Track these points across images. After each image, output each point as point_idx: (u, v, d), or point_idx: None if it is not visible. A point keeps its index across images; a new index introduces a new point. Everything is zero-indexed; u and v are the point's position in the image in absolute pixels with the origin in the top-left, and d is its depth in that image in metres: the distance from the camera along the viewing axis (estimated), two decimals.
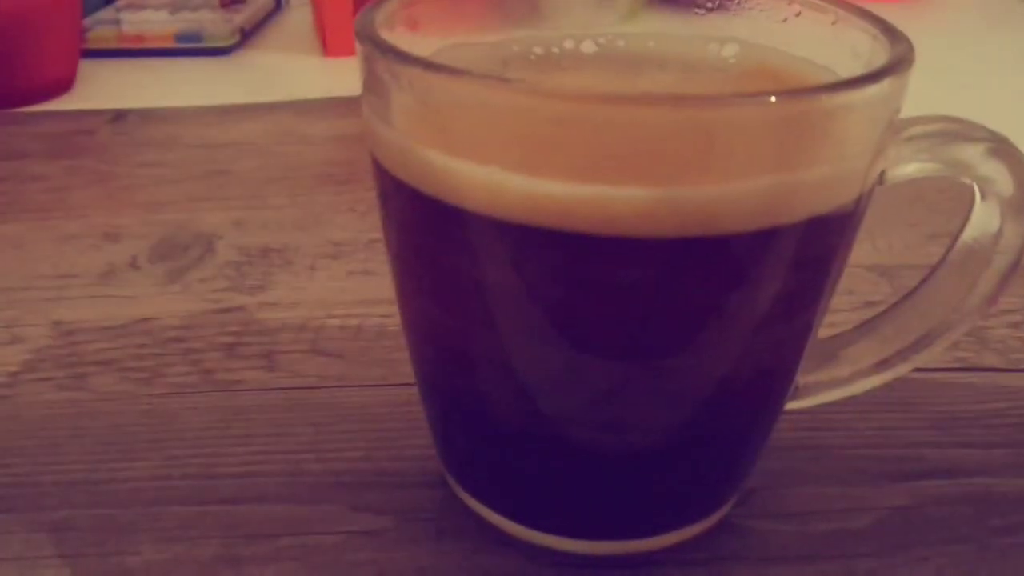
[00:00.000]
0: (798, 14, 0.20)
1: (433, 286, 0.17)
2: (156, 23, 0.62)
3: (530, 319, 0.16)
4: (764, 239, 0.15)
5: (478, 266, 0.16)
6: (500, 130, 0.14)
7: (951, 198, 0.38)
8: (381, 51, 0.15)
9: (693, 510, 0.21)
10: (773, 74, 0.20)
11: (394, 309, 0.20)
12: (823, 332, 0.20)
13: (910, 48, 0.16)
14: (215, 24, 0.62)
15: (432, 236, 0.16)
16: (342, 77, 0.56)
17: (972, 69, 0.57)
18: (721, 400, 0.18)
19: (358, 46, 0.16)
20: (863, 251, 0.34)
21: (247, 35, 0.64)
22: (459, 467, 0.22)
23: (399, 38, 0.18)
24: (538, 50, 0.20)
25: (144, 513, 0.22)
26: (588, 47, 0.21)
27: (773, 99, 0.14)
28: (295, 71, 0.58)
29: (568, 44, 0.21)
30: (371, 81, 0.16)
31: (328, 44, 0.61)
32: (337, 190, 0.40)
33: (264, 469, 0.23)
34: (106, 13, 0.65)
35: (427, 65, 0.14)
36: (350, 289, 0.32)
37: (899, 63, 0.15)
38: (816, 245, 0.16)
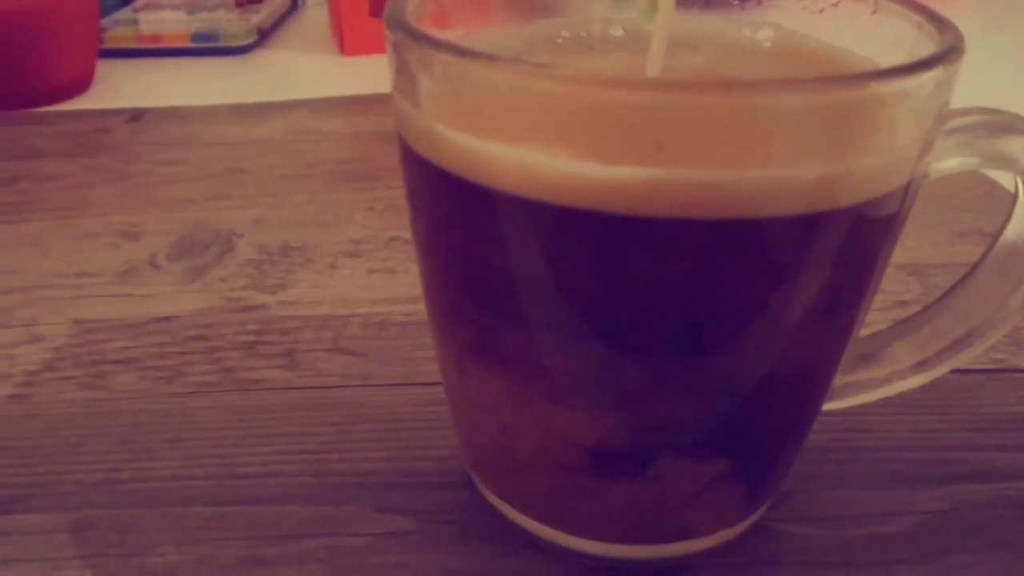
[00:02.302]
0: (836, 4, 0.19)
1: (462, 275, 0.17)
2: (173, 23, 0.62)
3: (562, 308, 0.16)
4: (807, 230, 0.15)
5: (510, 252, 0.15)
6: (535, 115, 0.14)
7: (979, 196, 0.38)
8: (414, 38, 0.15)
9: (727, 514, 0.20)
10: (810, 57, 0.19)
11: (416, 307, 0.19)
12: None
13: (959, 36, 0.15)
14: (232, 24, 0.62)
15: (462, 221, 0.16)
16: (359, 75, 0.56)
17: (998, 63, 0.56)
18: (759, 399, 0.17)
19: (388, 34, 0.16)
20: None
21: (264, 34, 0.64)
22: (485, 468, 0.21)
23: (426, 29, 0.18)
24: (565, 33, 0.20)
25: (166, 513, 0.21)
26: (616, 31, 0.20)
27: (823, 85, 0.13)
28: (312, 70, 0.58)
29: (596, 28, 0.20)
30: (400, 67, 0.16)
31: (345, 43, 0.60)
32: (356, 187, 0.40)
33: (287, 469, 0.23)
34: (123, 13, 0.65)
35: (460, 51, 0.14)
36: (371, 287, 0.31)
37: (950, 51, 0.15)
38: (860, 239, 0.16)
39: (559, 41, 0.20)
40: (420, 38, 0.15)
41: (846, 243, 0.16)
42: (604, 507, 0.19)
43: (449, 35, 0.19)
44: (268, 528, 0.21)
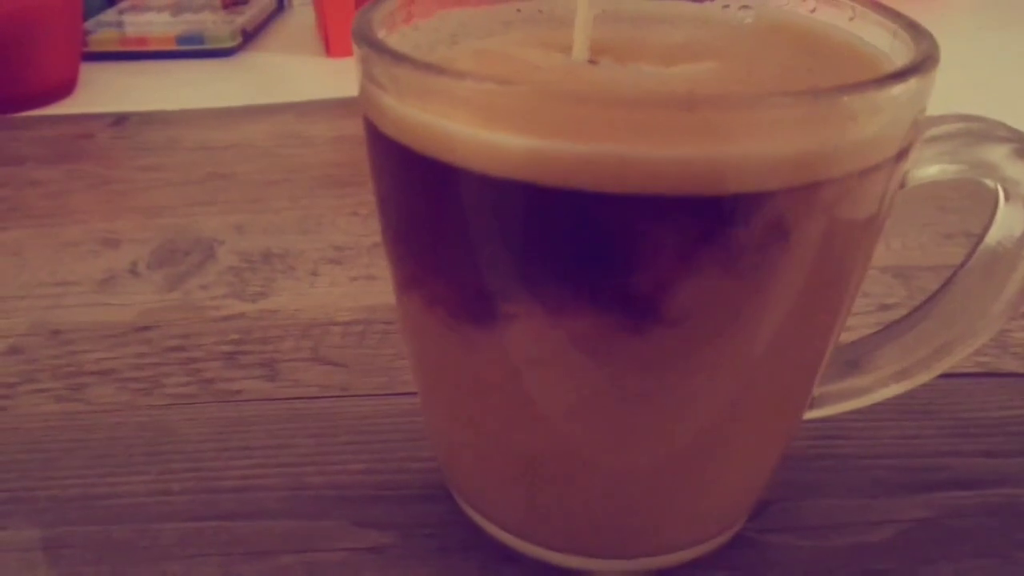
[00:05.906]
0: (813, 10, 0.19)
1: (433, 260, 0.16)
2: (158, 25, 0.62)
3: (530, 290, 0.15)
4: (782, 240, 0.14)
5: (481, 233, 0.15)
6: (501, 118, 0.14)
7: (965, 196, 0.38)
8: (377, 52, 0.15)
9: (706, 526, 0.20)
10: (792, 28, 0.19)
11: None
12: (840, 337, 0.19)
13: (934, 45, 0.15)
14: (217, 26, 0.61)
15: (432, 201, 0.15)
16: (345, 77, 0.56)
17: (984, 66, 0.56)
18: (737, 404, 0.17)
19: (355, 47, 0.16)
20: (877, 252, 0.33)
21: (249, 36, 0.63)
22: (464, 481, 0.21)
23: (400, 36, 0.18)
24: (542, 10, 0.20)
25: (141, 530, 0.21)
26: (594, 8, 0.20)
27: (791, 100, 0.13)
28: (298, 72, 0.58)
29: (572, 5, 0.20)
30: (367, 70, 0.16)
31: (331, 44, 0.60)
32: (339, 192, 0.39)
33: (264, 483, 0.23)
34: (108, 16, 0.64)
35: (421, 67, 0.14)
36: (353, 294, 0.31)
37: (925, 60, 0.14)
38: (836, 250, 0.16)
39: (536, 19, 0.20)
40: (383, 51, 0.14)
41: (823, 257, 0.15)
42: (582, 520, 0.19)
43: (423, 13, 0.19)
44: (244, 544, 0.21)
